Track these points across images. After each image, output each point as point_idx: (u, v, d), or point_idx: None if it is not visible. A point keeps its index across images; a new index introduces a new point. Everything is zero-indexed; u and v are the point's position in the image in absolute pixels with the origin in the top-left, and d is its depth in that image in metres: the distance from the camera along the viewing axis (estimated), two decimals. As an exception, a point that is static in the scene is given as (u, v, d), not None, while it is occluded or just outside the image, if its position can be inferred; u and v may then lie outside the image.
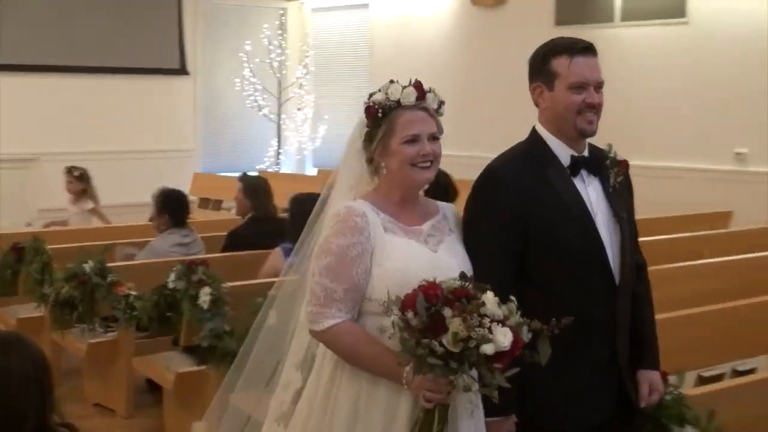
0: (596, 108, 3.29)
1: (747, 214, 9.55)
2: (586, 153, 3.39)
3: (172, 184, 8.20)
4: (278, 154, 16.44)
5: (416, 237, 3.14)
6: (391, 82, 3.19)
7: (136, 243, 7.76)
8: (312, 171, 16.41)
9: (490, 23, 14.05)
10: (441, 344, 2.70)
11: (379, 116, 3.14)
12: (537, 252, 3.26)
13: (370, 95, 3.20)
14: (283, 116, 16.43)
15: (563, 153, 3.35)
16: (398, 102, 3.14)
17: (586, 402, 3.30)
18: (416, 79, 3.20)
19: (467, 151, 13.50)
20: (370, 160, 3.21)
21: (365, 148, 3.21)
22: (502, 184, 3.30)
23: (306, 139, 16.61)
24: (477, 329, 2.69)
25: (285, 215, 6.98)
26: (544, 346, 2.83)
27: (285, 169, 16.34)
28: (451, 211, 3.36)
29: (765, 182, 10.26)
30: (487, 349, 2.69)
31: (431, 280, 2.83)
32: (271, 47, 16.02)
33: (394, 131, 3.13)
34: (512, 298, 2.84)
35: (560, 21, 13.16)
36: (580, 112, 3.27)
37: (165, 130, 15.58)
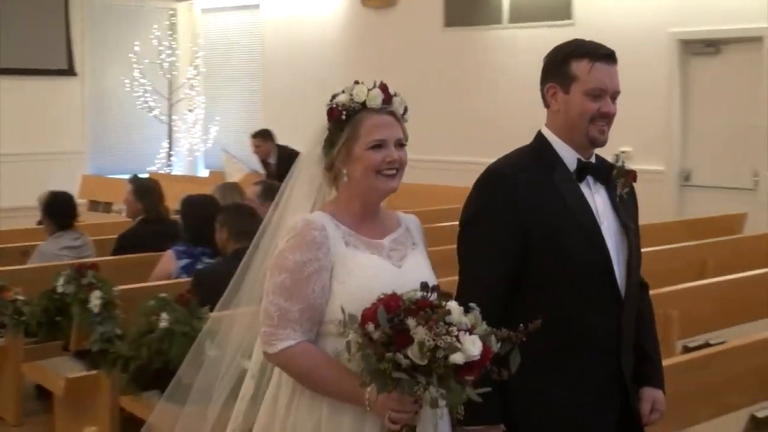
0: (610, 118, 3.13)
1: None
2: (593, 160, 3.21)
3: (61, 187, 8.02)
4: (169, 155, 16.27)
5: (378, 252, 2.93)
6: (356, 83, 2.95)
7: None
8: (204, 172, 16.27)
9: (380, 24, 14.15)
10: (406, 356, 2.53)
11: (343, 119, 2.90)
12: (539, 259, 3.07)
13: (333, 96, 2.96)
14: (174, 117, 16.27)
15: (570, 157, 3.16)
16: (363, 104, 2.90)
17: (589, 419, 3.12)
18: (382, 82, 2.97)
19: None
20: (329, 167, 2.96)
21: (325, 153, 2.95)
22: (504, 185, 3.11)
23: (197, 141, 16.48)
24: (444, 338, 2.52)
25: (177, 217, 6.94)
26: (514, 355, 2.66)
27: (177, 171, 16.20)
28: (414, 223, 3.13)
29: (650, 180, 10.52)
30: (457, 358, 2.52)
31: (390, 292, 2.67)
32: (160, 48, 15.85)
33: (359, 135, 2.89)
34: (473, 305, 2.66)
35: (449, 23, 13.36)
36: (593, 120, 3.10)
37: (52, 132, 15.28)
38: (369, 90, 2.92)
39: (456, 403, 2.59)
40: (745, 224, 9.10)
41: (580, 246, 3.06)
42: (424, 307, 2.60)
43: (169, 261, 6.20)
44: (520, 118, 11.80)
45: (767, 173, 10.50)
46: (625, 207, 3.21)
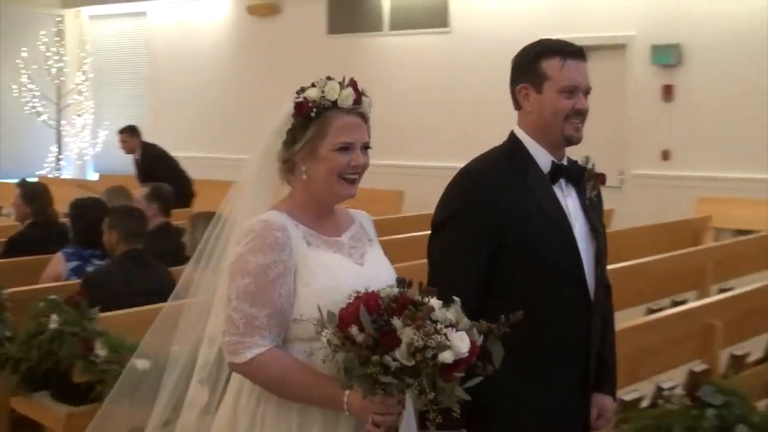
0: (584, 115, 3.03)
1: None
2: (565, 161, 3.11)
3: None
4: (58, 159, 16.13)
5: (340, 250, 2.75)
6: (329, 78, 2.74)
7: None
8: (93, 176, 16.08)
9: (265, 31, 14.24)
10: (394, 359, 2.37)
11: (312, 116, 2.69)
12: (514, 262, 2.95)
13: (302, 89, 2.74)
14: (63, 122, 16.14)
15: (544, 159, 3.06)
16: (335, 103, 2.69)
17: (558, 422, 3.04)
18: (351, 79, 2.77)
19: (236, 154, 13.79)
20: (285, 161, 2.75)
21: (285, 147, 2.73)
22: (478, 189, 2.99)
23: (87, 145, 16.37)
24: (434, 337, 2.37)
25: (66, 220, 6.97)
26: (496, 348, 2.52)
27: (66, 175, 16.03)
28: (366, 218, 2.97)
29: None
30: (447, 357, 2.37)
31: (361, 291, 2.51)
32: (48, 54, 15.70)
33: (326, 135, 2.68)
34: (455, 299, 2.53)
35: (332, 30, 13.55)
36: (568, 118, 3.00)
37: (-61, 138, 15.00)
38: (342, 88, 2.72)
39: (449, 403, 2.44)
40: (613, 219, 9.56)
41: (555, 250, 2.98)
42: (406, 304, 2.46)
43: (58, 263, 6.16)
44: (401, 120, 12.17)
45: (632, 172, 11.05)
46: (594, 210, 3.14)
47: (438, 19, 12.40)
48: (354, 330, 2.41)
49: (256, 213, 2.73)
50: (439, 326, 2.40)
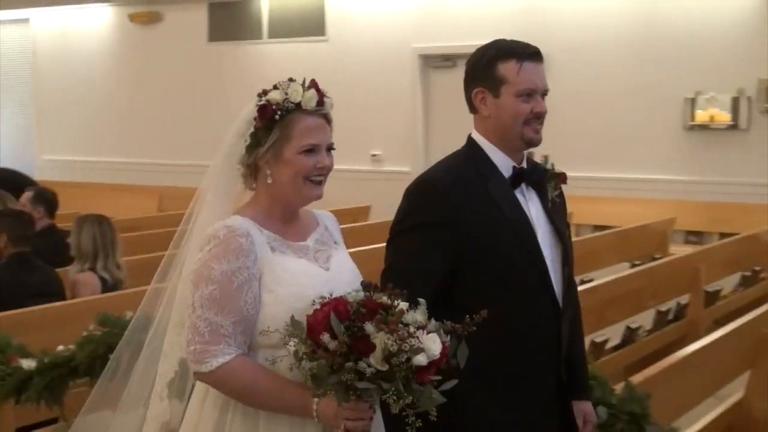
0: (542, 117, 2.91)
1: (383, 207, 10.11)
2: (524, 164, 2.99)
3: None
4: (-61, 167, 15.95)
5: (305, 255, 2.65)
6: (291, 80, 2.65)
7: None
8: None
9: (147, 38, 14.26)
10: (369, 365, 2.30)
11: (276, 118, 2.59)
12: (479, 271, 2.84)
13: (264, 92, 2.64)
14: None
15: (504, 164, 2.93)
16: (298, 105, 2.60)
17: (536, 427, 2.95)
18: (313, 80, 2.67)
19: (120, 158, 13.95)
20: (248, 166, 2.65)
21: (248, 150, 2.62)
22: (437, 196, 2.86)
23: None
24: (409, 340, 2.31)
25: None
26: (462, 348, 2.45)
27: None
28: (331, 220, 2.87)
29: (398, 180, 11.27)
30: (421, 359, 2.31)
31: (326, 296, 2.45)
32: (-72, 61, 15.54)
33: (291, 138, 2.58)
34: (421, 300, 2.45)
35: (213, 37, 13.66)
36: (528, 122, 2.87)
37: None
38: (305, 89, 2.62)
39: (427, 406, 2.36)
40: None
41: (520, 257, 2.87)
42: (375, 308, 2.38)
43: None
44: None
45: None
46: (557, 211, 3.03)
47: (315, 27, 12.67)
48: (326, 337, 2.33)
49: (216, 219, 2.62)
50: (411, 329, 2.34)
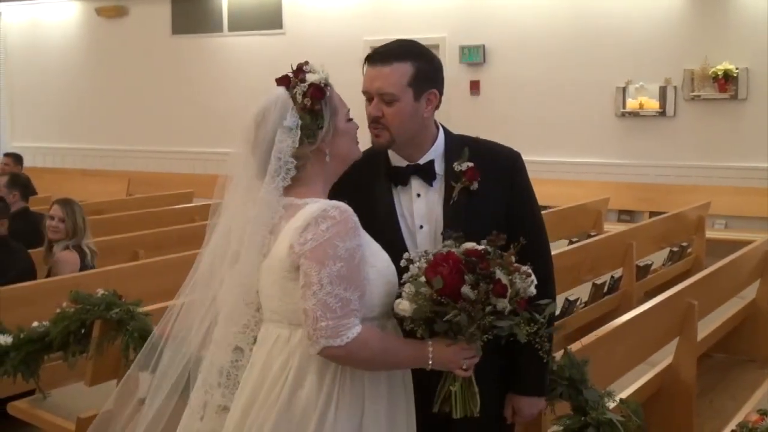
0: (375, 120, 2.73)
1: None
2: (429, 159, 2.84)
3: None
4: None
5: None
6: (306, 63, 2.61)
7: None
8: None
9: (114, 32, 14.11)
10: (504, 306, 2.41)
11: (327, 95, 2.57)
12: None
13: (300, 79, 2.57)
14: None
15: (398, 160, 2.83)
16: (327, 80, 2.60)
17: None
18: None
19: (86, 144, 13.82)
20: (306, 154, 2.56)
21: (308, 140, 2.55)
22: (340, 186, 2.67)
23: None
24: (527, 280, 2.46)
25: None
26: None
27: None
28: None
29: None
30: (533, 290, 2.47)
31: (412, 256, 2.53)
32: None
33: (338, 109, 2.59)
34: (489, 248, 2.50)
35: (176, 31, 13.53)
36: (369, 125, 2.76)
37: None
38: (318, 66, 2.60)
39: (552, 331, 2.58)
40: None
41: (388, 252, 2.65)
42: (479, 255, 2.46)
43: None
44: (240, 113, 12.35)
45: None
46: (461, 210, 2.78)
47: (273, 21, 12.60)
48: (466, 289, 2.38)
49: (248, 210, 2.56)
50: (522, 268, 2.46)
